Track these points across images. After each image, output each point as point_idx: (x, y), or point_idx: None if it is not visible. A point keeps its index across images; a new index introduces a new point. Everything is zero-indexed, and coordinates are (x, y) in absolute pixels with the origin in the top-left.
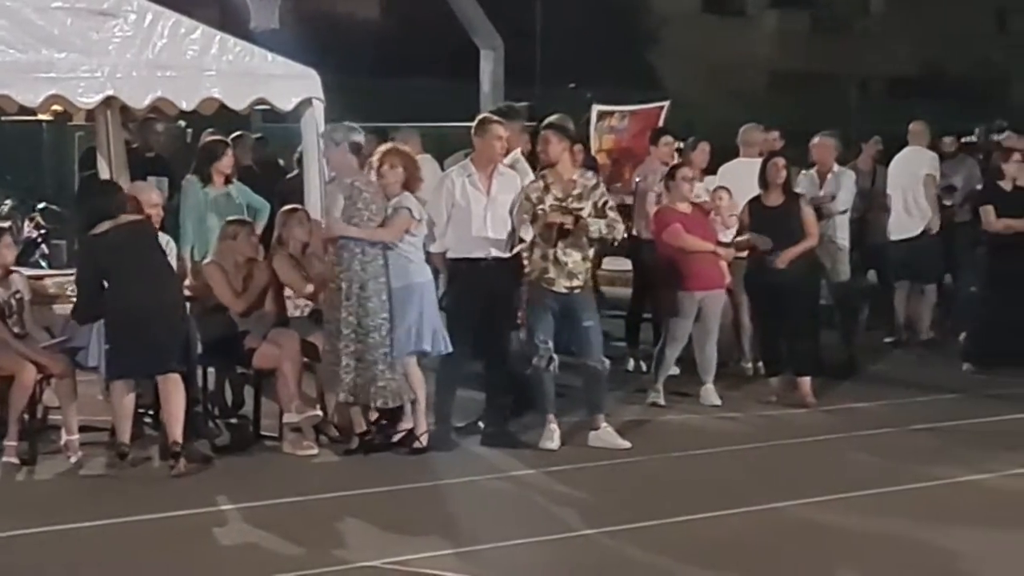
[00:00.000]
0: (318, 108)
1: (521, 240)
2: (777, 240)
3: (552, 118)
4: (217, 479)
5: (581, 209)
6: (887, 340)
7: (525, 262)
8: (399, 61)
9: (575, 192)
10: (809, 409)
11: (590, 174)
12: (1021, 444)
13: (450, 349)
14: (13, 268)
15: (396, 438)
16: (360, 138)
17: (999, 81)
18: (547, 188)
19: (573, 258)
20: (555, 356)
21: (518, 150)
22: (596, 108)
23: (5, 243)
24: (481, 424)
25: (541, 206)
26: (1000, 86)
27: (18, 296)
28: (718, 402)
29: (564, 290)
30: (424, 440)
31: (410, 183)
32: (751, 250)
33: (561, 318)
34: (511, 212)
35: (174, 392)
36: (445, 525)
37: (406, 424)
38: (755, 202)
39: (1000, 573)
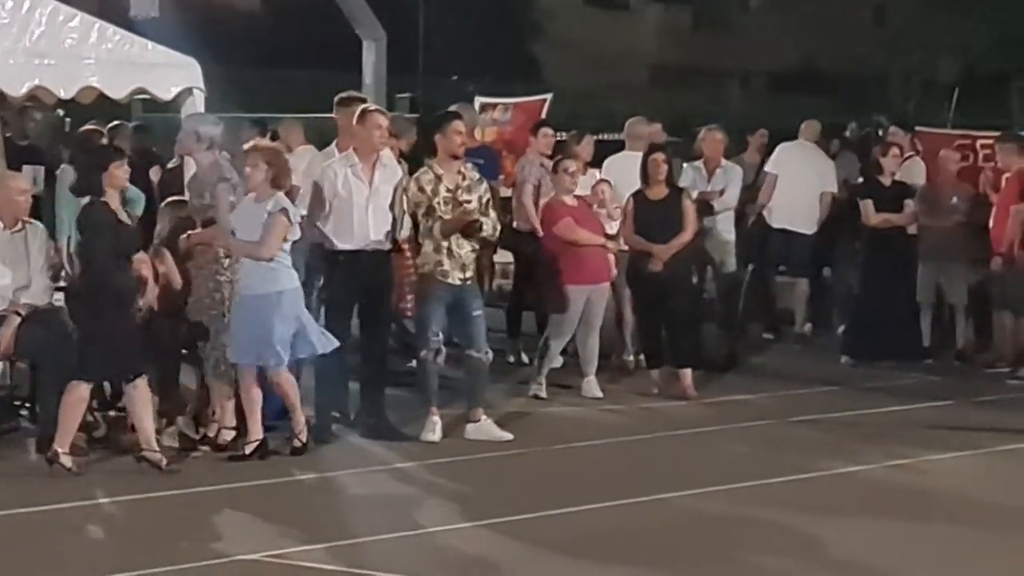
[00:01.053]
0: (199, 98)
1: (414, 230)
2: (660, 233)
3: (455, 108)
4: (93, 472)
5: (469, 201)
6: (765, 335)
7: (408, 254)
8: (280, 52)
9: (464, 184)
10: (690, 401)
11: (472, 166)
12: (898, 436)
13: (336, 344)
14: None
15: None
16: (217, 132)
17: (876, 77)
18: (439, 179)
19: (465, 249)
20: (443, 348)
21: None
22: (479, 100)
23: None
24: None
25: (436, 198)
26: (878, 82)
27: None
28: (600, 395)
29: (458, 282)
30: (303, 438)
31: (278, 180)
32: (633, 247)
33: (451, 309)
34: (391, 205)
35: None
36: (323, 519)
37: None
38: (638, 195)
39: (879, 562)
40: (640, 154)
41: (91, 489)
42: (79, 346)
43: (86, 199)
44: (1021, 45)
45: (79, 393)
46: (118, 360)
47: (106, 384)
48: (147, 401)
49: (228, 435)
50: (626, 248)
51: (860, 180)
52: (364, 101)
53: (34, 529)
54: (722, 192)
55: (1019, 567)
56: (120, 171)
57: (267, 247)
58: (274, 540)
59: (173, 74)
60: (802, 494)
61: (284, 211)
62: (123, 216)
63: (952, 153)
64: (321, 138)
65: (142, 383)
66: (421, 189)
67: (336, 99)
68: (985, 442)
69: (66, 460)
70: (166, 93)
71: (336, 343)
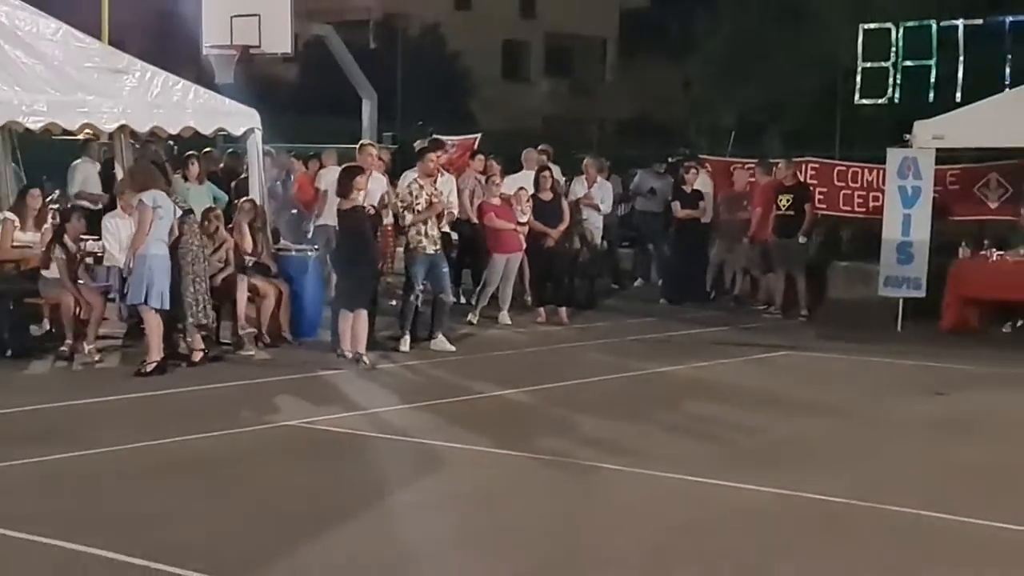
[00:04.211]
0: (258, 134)
1: (406, 218)
2: (549, 221)
3: (425, 143)
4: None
5: (438, 201)
6: (612, 285)
7: (391, 233)
8: (310, 104)
9: (435, 191)
10: (564, 327)
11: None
12: (697, 349)
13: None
14: (84, 236)
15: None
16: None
17: (684, 123)
18: (421, 187)
19: (435, 232)
20: (420, 293)
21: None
22: (438, 139)
23: (77, 219)
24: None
25: (419, 200)
26: (685, 127)
27: (81, 254)
28: (510, 322)
29: (432, 252)
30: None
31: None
32: (532, 230)
33: (428, 269)
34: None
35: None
36: (329, 398)
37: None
38: (534, 197)
39: (703, 426)
40: (530, 172)
41: (181, 382)
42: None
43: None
44: (776, 104)
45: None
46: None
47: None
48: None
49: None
50: (528, 230)
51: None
52: (369, 143)
53: (158, 408)
54: (602, 201)
55: (770, 423)
56: None
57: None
58: (306, 412)
59: (241, 118)
60: (635, 384)
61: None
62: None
63: (744, 173)
64: (340, 160)
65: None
66: (410, 193)
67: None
68: (749, 352)
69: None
70: (237, 130)
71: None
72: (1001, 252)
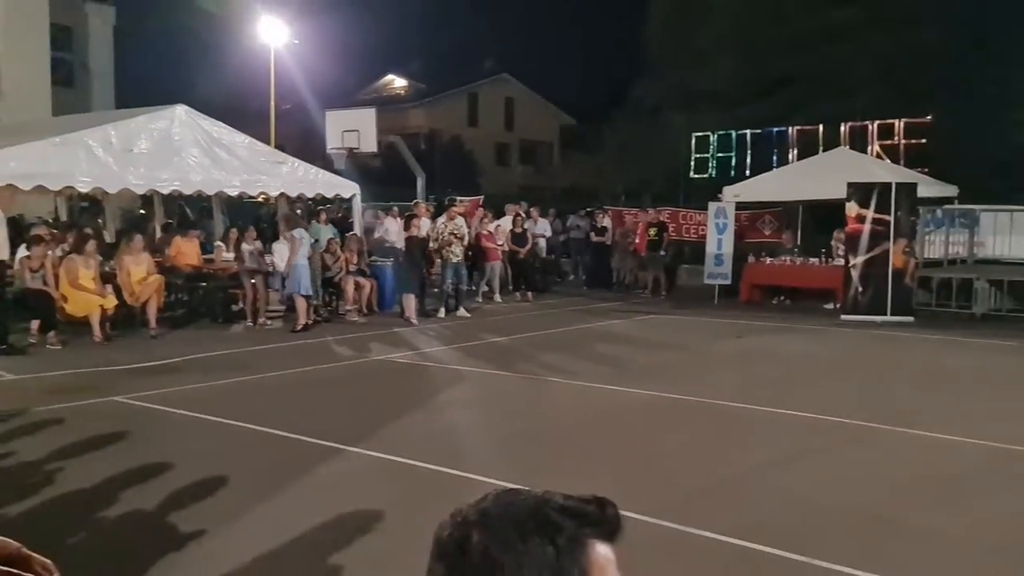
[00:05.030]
0: (358, 197)
1: (437, 244)
2: (519, 244)
3: (450, 199)
4: (316, 330)
5: (460, 235)
6: (556, 279)
7: (438, 256)
8: (388, 180)
9: (458, 228)
10: (530, 303)
11: (460, 221)
12: (604, 314)
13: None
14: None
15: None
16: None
17: (595, 189)
18: (446, 226)
19: (459, 250)
20: (450, 284)
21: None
22: (457, 198)
23: (249, 236)
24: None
25: (446, 233)
26: (601, 193)
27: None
28: (500, 301)
29: (456, 261)
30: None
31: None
32: (510, 249)
33: (453, 271)
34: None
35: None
36: (400, 344)
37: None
38: (512, 231)
39: (616, 370)
40: (511, 216)
41: (321, 336)
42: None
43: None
44: (647, 179)
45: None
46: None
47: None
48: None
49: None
50: (507, 249)
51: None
52: (420, 202)
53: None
54: (544, 232)
55: (646, 354)
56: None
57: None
58: (392, 352)
59: (348, 187)
60: (570, 334)
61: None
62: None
63: (631, 216)
64: (402, 212)
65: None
66: (441, 231)
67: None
68: (633, 316)
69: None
70: (347, 194)
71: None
72: (772, 259)
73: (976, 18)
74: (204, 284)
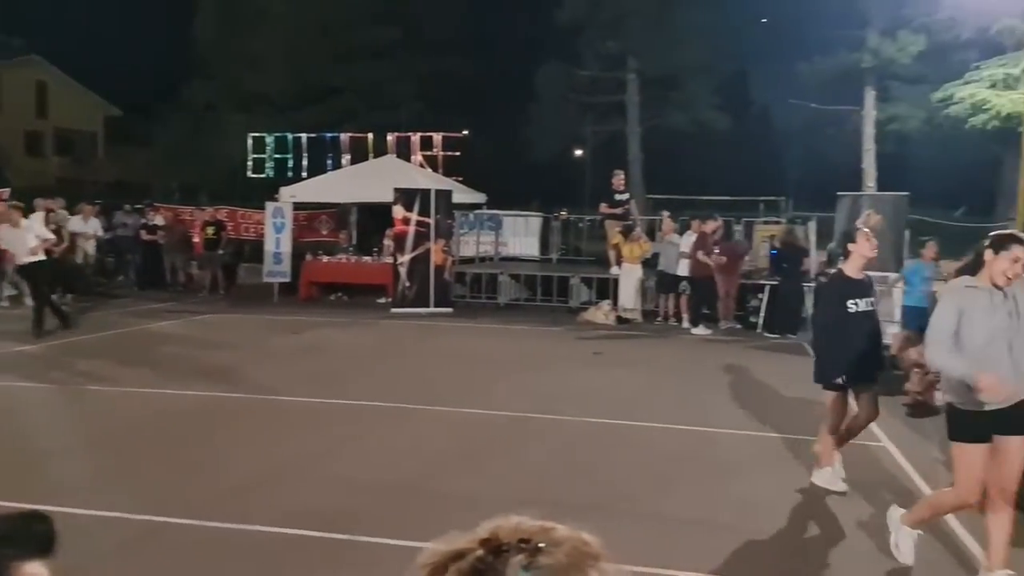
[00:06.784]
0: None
1: None
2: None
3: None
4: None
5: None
6: (102, 280)
7: None
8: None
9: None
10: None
11: None
12: (161, 314)
13: None
14: None
15: None
16: None
17: (147, 185)
18: None
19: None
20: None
21: None
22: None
23: None
24: None
25: None
26: (147, 187)
27: None
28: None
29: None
30: None
31: None
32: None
33: None
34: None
35: None
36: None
37: None
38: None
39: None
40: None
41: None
42: None
43: None
44: (203, 179)
45: None
46: None
47: None
48: None
49: None
50: None
51: None
52: None
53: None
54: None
55: (201, 355)
56: None
57: None
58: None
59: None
60: (113, 340)
61: None
62: None
63: (189, 216)
64: None
65: None
66: None
67: None
68: (191, 316)
69: None
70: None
71: None
72: (329, 257)
73: (501, 47)
74: None
